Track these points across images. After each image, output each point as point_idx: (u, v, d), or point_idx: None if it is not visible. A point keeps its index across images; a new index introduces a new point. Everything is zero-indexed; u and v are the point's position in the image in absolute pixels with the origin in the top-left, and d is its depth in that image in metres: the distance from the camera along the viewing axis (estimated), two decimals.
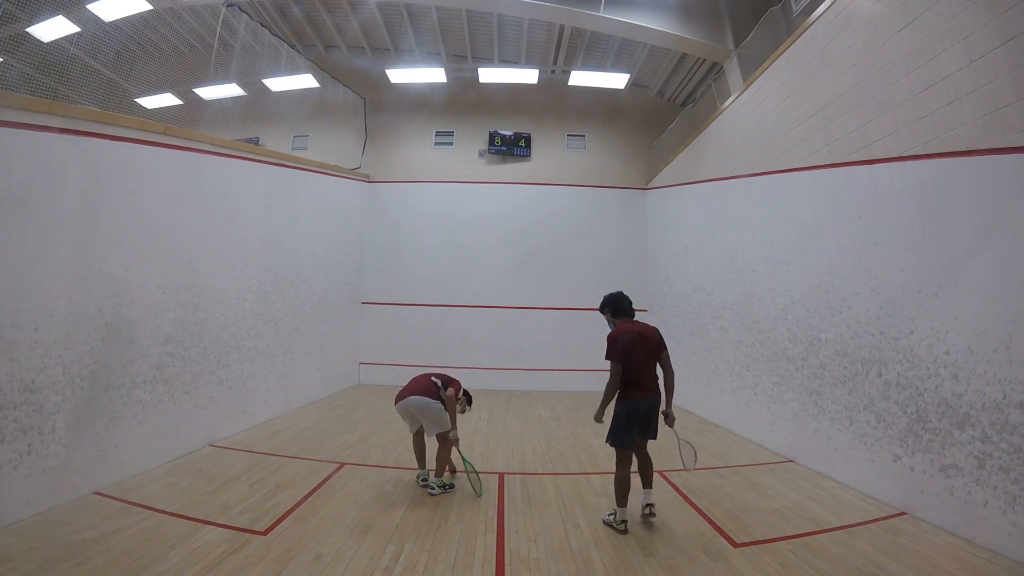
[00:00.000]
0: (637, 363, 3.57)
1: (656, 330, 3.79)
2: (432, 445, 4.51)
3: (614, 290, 3.94)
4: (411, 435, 4.60)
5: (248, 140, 9.72)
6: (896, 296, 4.24)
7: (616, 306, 3.86)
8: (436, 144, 11.80)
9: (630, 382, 3.58)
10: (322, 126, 11.47)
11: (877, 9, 4.57)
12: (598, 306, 3.97)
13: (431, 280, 11.00)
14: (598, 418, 3.73)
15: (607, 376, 3.61)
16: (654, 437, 3.69)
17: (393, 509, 3.95)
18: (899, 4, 4.28)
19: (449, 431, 4.33)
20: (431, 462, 4.49)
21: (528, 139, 11.57)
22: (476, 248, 11.10)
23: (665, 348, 3.76)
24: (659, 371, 3.77)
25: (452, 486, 4.43)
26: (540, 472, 5.06)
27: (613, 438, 3.63)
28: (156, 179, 4.94)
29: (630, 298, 3.91)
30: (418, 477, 4.57)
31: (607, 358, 3.62)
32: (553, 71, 11.41)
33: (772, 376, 6.01)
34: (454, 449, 4.46)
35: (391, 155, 11.63)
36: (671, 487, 4.50)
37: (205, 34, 10.63)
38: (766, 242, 6.34)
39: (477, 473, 4.48)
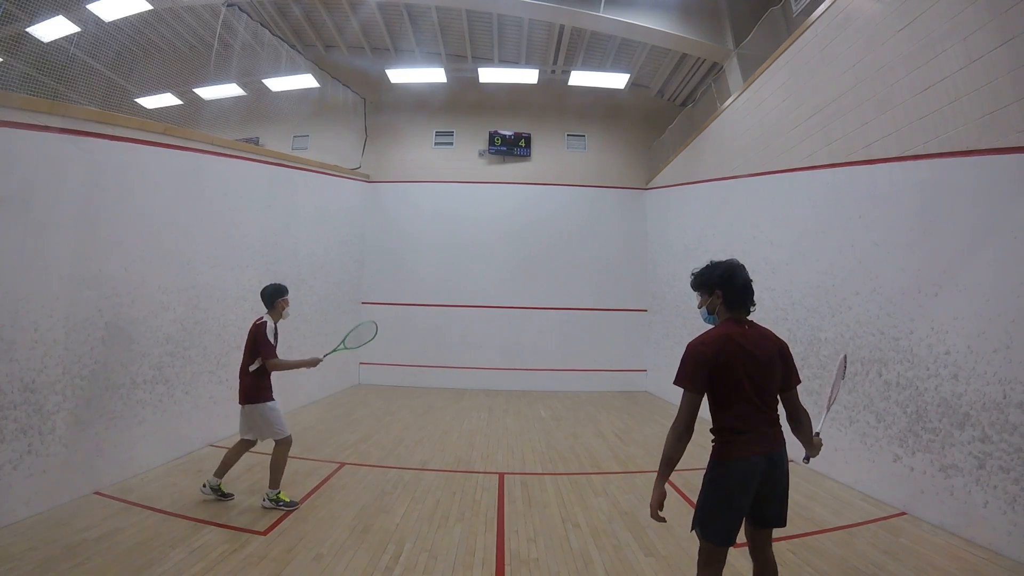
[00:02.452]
0: (744, 396, 2.04)
1: (784, 345, 2.19)
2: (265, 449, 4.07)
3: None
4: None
5: (248, 140, 9.72)
6: (896, 296, 4.24)
7: (734, 283, 2.15)
8: (436, 144, 11.80)
9: (731, 428, 2.06)
10: (322, 126, 11.46)
11: (877, 9, 4.57)
12: (692, 282, 2.28)
13: (431, 280, 11.00)
14: (656, 505, 2.07)
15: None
16: (782, 522, 2.19)
17: (393, 509, 3.95)
18: (899, 4, 4.28)
19: (278, 436, 3.93)
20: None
21: (528, 139, 11.56)
22: (476, 248, 11.10)
23: (798, 378, 2.21)
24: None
25: (293, 503, 3.88)
26: (540, 472, 5.06)
27: (703, 523, 2.08)
28: (156, 179, 4.93)
29: (749, 278, 2.19)
30: (205, 485, 3.97)
31: (676, 382, 2.10)
32: (553, 71, 11.41)
33: None
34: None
35: (391, 155, 11.63)
36: (671, 487, 4.49)
37: (205, 34, 10.63)
38: (766, 242, 6.33)
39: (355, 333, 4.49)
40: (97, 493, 3.99)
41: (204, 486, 3.95)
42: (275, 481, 3.90)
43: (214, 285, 5.75)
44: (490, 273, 11.03)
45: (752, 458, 2.05)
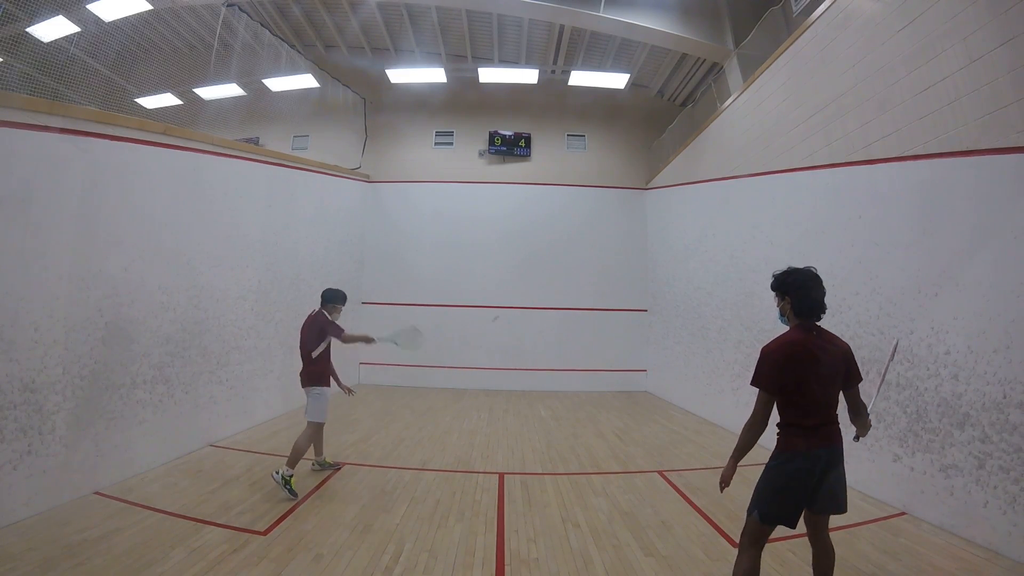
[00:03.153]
0: (810, 395, 2.30)
1: (847, 348, 2.45)
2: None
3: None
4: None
5: (248, 140, 9.72)
6: (896, 296, 4.24)
7: (803, 294, 2.36)
8: (436, 144, 11.80)
9: (797, 424, 2.31)
10: (322, 126, 11.46)
11: (877, 9, 4.57)
12: (771, 284, 2.49)
13: (431, 280, 10.99)
14: (726, 479, 2.40)
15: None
16: (841, 509, 2.39)
17: (393, 509, 3.95)
18: (899, 4, 4.28)
19: (314, 418, 4.49)
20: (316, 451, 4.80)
21: (528, 139, 11.56)
22: (476, 248, 11.09)
23: (860, 377, 2.47)
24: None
25: (296, 495, 3.97)
26: (540, 472, 5.06)
27: (764, 507, 2.30)
28: (156, 179, 4.93)
29: (822, 290, 2.39)
30: (313, 464, 4.80)
31: (753, 383, 2.35)
32: (553, 71, 11.41)
33: None
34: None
35: (391, 155, 11.63)
36: (670, 487, 4.50)
37: (205, 34, 10.64)
38: (766, 242, 6.33)
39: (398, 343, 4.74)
40: (97, 493, 3.98)
41: (274, 473, 4.09)
42: (293, 461, 4.08)
43: (214, 285, 5.75)
44: (490, 273, 11.03)
45: (815, 451, 2.29)
